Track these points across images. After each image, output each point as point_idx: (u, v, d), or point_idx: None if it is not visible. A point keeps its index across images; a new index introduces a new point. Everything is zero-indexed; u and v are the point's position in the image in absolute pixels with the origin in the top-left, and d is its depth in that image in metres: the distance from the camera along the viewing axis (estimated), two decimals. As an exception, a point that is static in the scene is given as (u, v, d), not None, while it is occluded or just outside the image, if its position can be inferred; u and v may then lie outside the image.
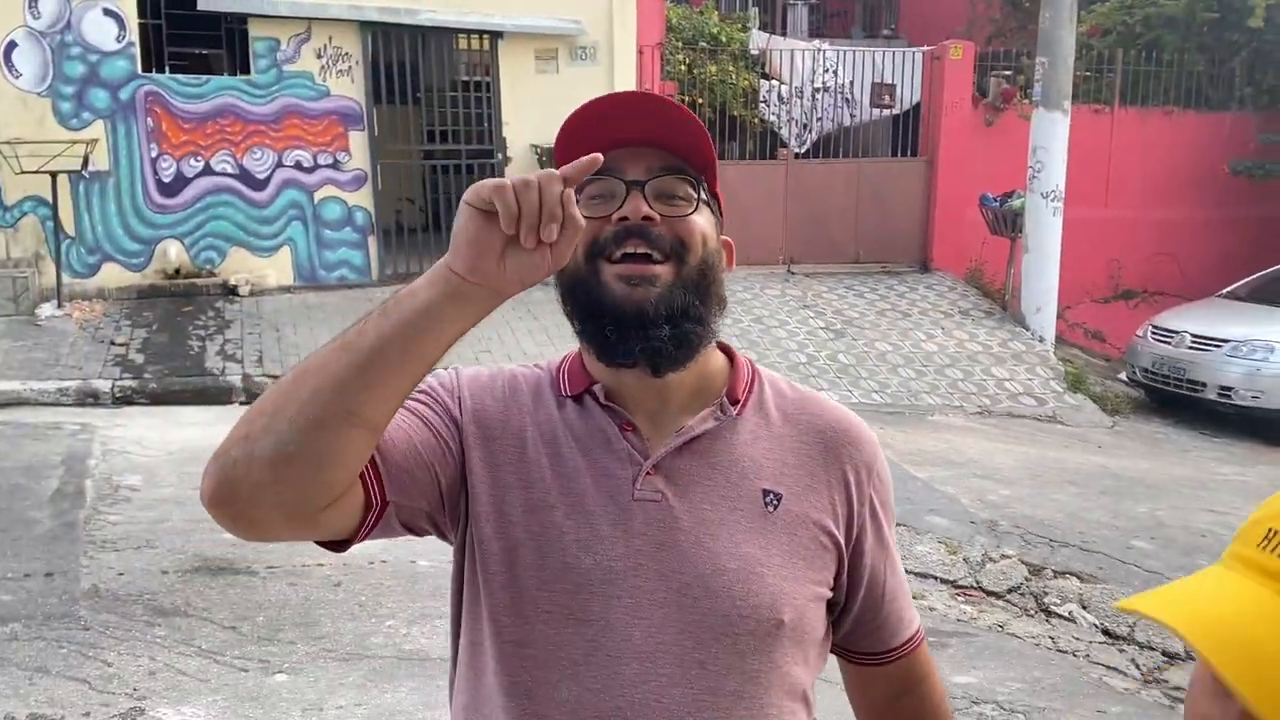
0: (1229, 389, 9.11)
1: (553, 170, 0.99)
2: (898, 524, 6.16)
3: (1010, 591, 5.19)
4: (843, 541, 1.22)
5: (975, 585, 5.22)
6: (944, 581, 5.21)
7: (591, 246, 1.14)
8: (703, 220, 1.18)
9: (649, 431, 1.19)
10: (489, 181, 0.99)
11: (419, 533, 1.19)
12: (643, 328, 1.13)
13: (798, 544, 1.19)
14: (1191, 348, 9.42)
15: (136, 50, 9.21)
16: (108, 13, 9.09)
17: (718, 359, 1.24)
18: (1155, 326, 9.96)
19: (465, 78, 10.84)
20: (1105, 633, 4.90)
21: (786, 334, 9.72)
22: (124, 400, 7.37)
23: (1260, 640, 0.70)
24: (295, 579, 4.59)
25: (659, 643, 1.12)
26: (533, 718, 1.14)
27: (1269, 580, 0.75)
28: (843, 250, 11.38)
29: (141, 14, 9.19)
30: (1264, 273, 10.57)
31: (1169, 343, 9.62)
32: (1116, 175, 12.00)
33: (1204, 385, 9.25)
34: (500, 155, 10.27)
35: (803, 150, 11.73)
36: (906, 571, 4.77)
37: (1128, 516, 6.34)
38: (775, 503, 1.19)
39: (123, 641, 3.97)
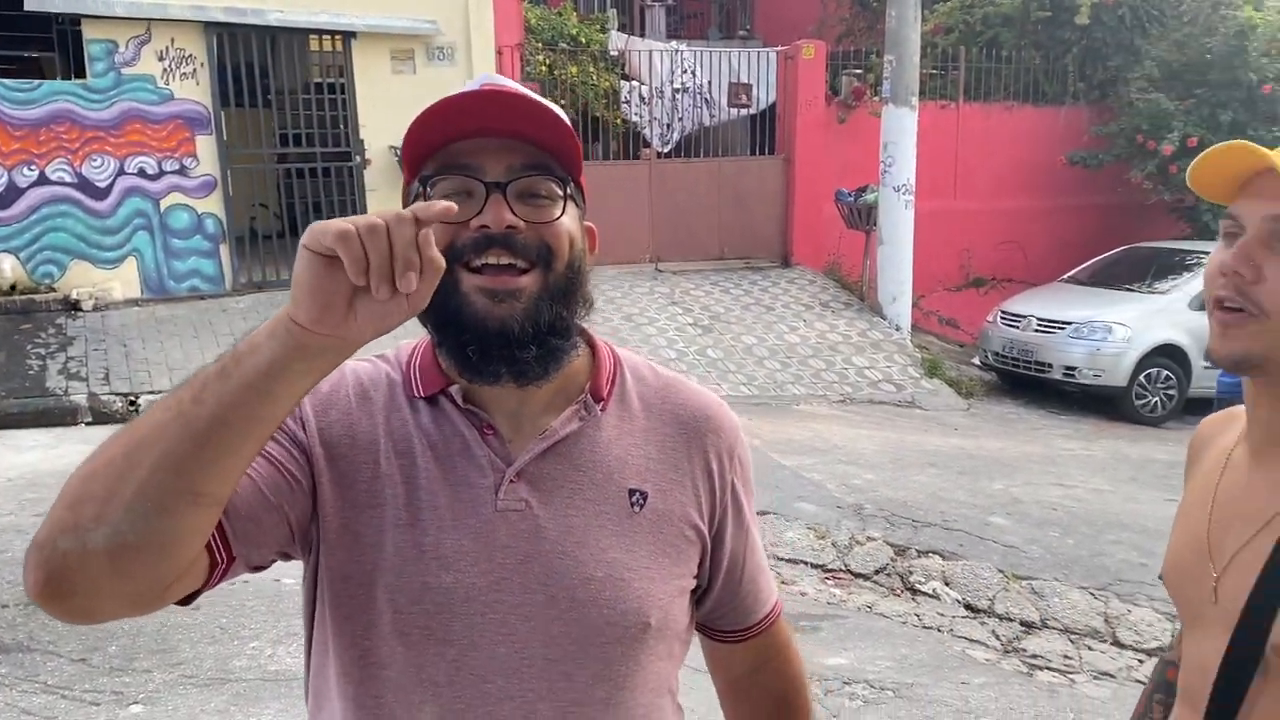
0: (1073, 369, 9.52)
1: (403, 211, 0.86)
2: (769, 512, 6.21)
3: (877, 572, 5.30)
4: (706, 531, 1.20)
5: (844, 568, 5.32)
6: (814, 566, 5.29)
7: (448, 251, 1.00)
8: (569, 220, 1.09)
9: (510, 434, 1.13)
10: (331, 225, 0.85)
11: (268, 567, 1.10)
12: (507, 347, 1.05)
13: (663, 541, 1.16)
14: (1038, 331, 9.82)
15: (-42, 53, 8.66)
16: (-77, 13, 8.51)
17: (579, 351, 1.17)
18: (1004, 312, 10.34)
19: (319, 79, 10.53)
20: (967, 607, 5.05)
21: (656, 330, 9.77)
22: (-44, 425, 6.90)
23: None
24: (150, 604, 4.37)
25: (524, 658, 1.09)
26: None
27: None
28: (707, 247, 11.51)
29: (-38, 15, 8.64)
30: (1101, 257, 11.11)
31: (1017, 327, 10.01)
32: (963, 168, 12.43)
33: (1050, 366, 9.64)
34: (358, 158, 10.02)
35: (666, 150, 11.80)
36: (778, 559, 4.78)
37: (985, 494, 6.56)
38: (641, 502, 1.15)
39: (-29, 684, 3.71)
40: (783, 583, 5.09)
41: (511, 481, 1.10)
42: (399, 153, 9.82)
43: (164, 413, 0.89)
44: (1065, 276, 11.06)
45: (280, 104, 10.08)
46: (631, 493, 1.15)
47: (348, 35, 9.87)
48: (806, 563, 5.30)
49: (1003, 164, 12.58)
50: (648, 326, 9.83)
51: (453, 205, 0.89)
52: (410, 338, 1.19)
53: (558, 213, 1.08)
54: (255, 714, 3.57)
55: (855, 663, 4.33)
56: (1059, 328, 9.69)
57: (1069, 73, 12.74)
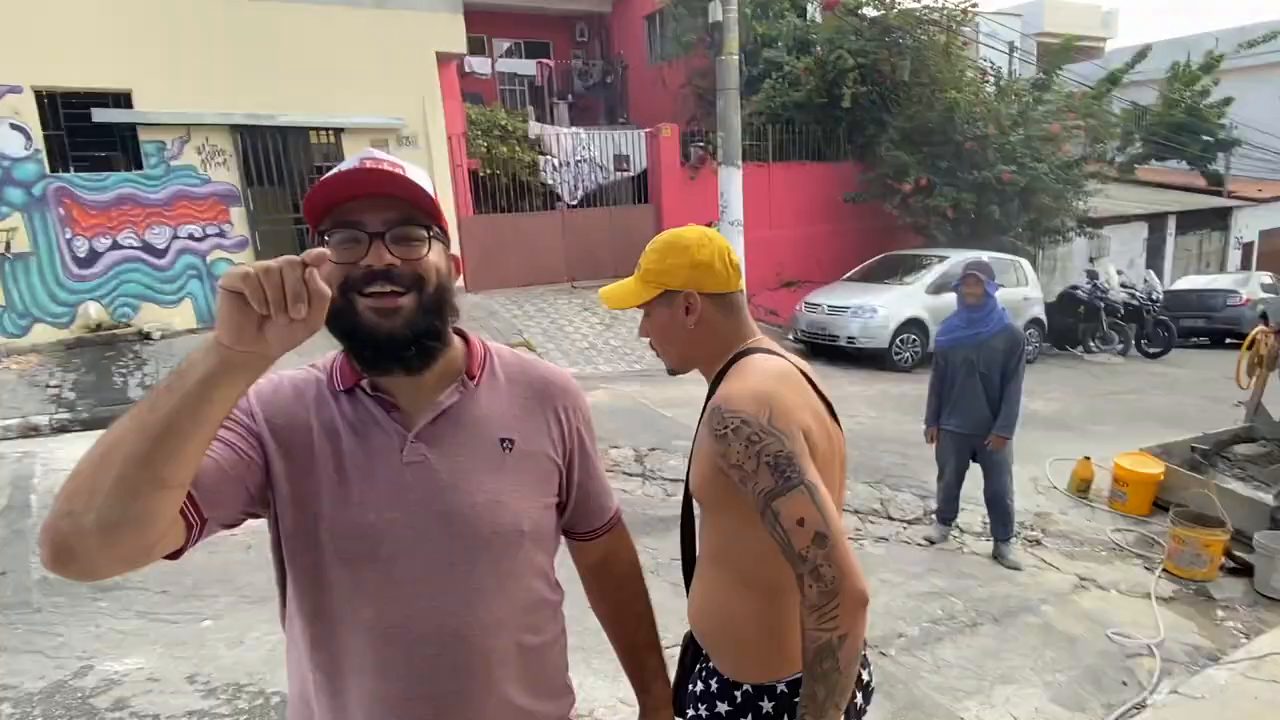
0: (853, 337, 9.72)
1: (292, 256, 0.84)
2: (654, 448, 6.21)
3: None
4: (560, 462, 1.20)
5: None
6: (679, 481, 5.37)
7: (345, 283, 1.01)
8: (434, 255, 1.06)
9: (409, 408, 1.10)
10: (236, 270, 0.84)
11: (239, 524, 1.06)
12: (394, 349, 1.04)
13: (528, 471, 1.15)
14: (829, 314, 10.01)
15: (44, 155, 8.08)
16: (14, 127, 7.92)
17: (456, 345, 1.15)
18: (807, 302, 10.50)
19: (319, 163, 10.16)
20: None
21: (573, 329, 9.73)
22: (60, 429, 6.52)
23: (616, 291, 1.38)
24: (214, 548, 4.21)
25: (433, 565, 1.07)
26: (344, 636, 1.07)
27: (639, 271, 1.34)
28: (606, 268, 11.50)
29: (45, 126, 8.06)
30: (867, 262, 11.41)
31: (815, 312, 10.21)
32: (775, 207, 12.59)
33: (838, 337, 9.83)
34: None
35: (573, 203, 11.72)
36: (663, 478, 4.80)
37: (797, 427, 6.72)
38: (509, 446, 1.14)
39: (71, 616, 3.54)
40: (667, 495, 5.13)
41: (412, 442, 1.09)
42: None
43: (130, 421, 0.85)
44: (845, 276, 11.24)
45: (292, 182, 9.70)
46: (502, 440, 1.14)
47: (339, 130, 9.54)
48: (676, 480, 5.36)
49: (802, 203, 12.74)
50: (567, 326, 9.80)
51: (326, 252, 0.87)
52: (332, 355, 1.17)
53: (424, 251, 1.05)
54: (294, 618, 3.49)
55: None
56: (842, 310, 9.85)
57: (840, 139, 12.93)
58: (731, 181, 10.23)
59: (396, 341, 1.03)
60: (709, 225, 9.46)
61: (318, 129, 9.53)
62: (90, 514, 0.83)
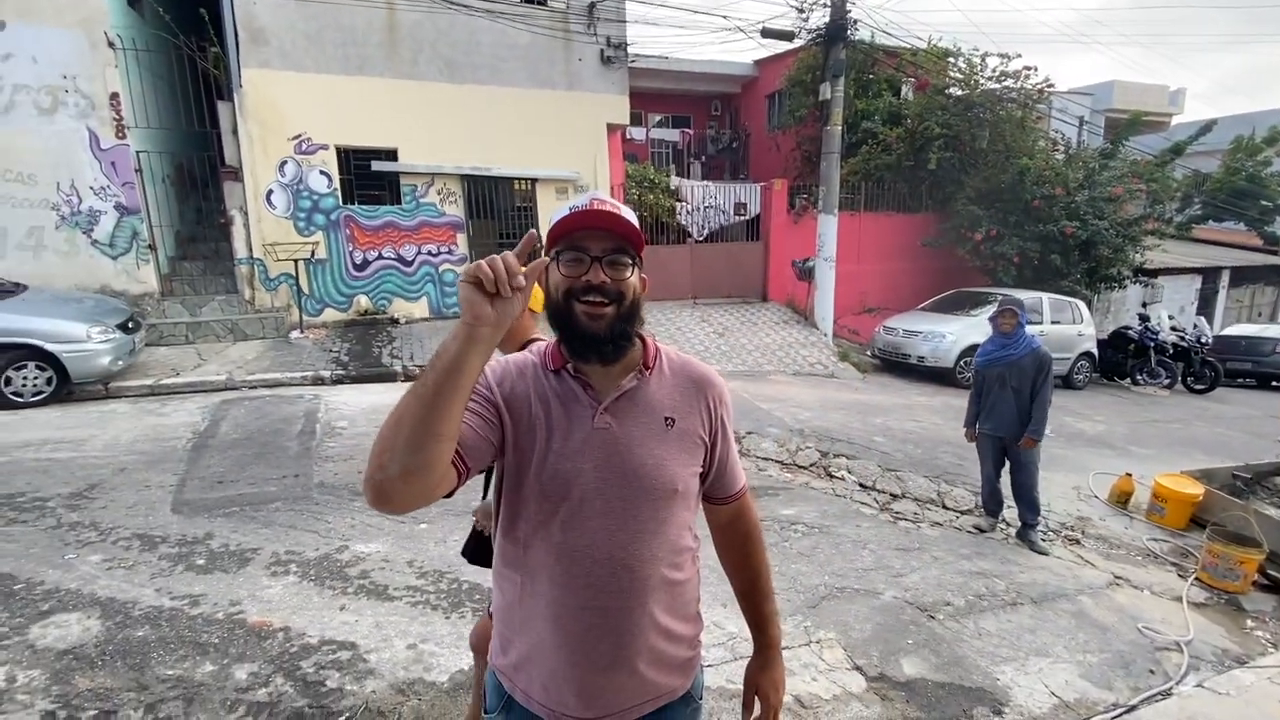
0: (923, 357, 9.19)
1: (507, 252, 0.95)
2: (752, 432, 6.12)
3: (811, 465, 5.22)
4: (707, 440, 1.19)
5: (793, 462, 5.25)
6: (777, 461, 5.24)
7: (568, 291, 1.08)
8: (634, 278, 1.11)
9: (600, 387, 1.14)
10: (468, 266, 0.94)
11: (488, 469, 1.16)
12: (596, 344, 1.09)
13: (684, 446, 1.16)
14: (903, 337, 9.50)
15: (339, 191, 8.94)
16: (321, 173, 8.82)
17: (636, 344, 1.19)
18: (885, 326, 10.02)
19: (519, 204, 10.66)
20: (861, 485, 4.94)
21: (692, 336, 9.69)
22: (337, 382, 7.19)
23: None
24: (431, 473, 4.49)
25: (610, 506, 1.10)
26: (539, 553, 1.11)
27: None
28: (720, 290, 11.37)
29: (341, 172, 8.94)
30: (938, 296, 10.69)
31: (892, 334, 9.69)
32: (863, 247, 12.04)
33: (910, 356, 9.32)
34: (539, 246, 10.04)
35: (700, 238, 11.65)
36: (758, 457, 4.68)
37: (871, 424, 6.39)
38: (671, 424, 1.15)
39: (336, 510, 3.89)
40: (759, 470, 5.03)
41: (601, 413, 1.12)
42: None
43: (410, 396, 0.93)
44: (919, 306, 10.65)
45: (500, 216, 10.23)
46: (666, 419, 1.15)
47: (534, 180, 9.94)
48: (772, 459, 5.26)
49: (885, 245, 12.13)
50: (689, 332, 9.77)
51: (534, 232, 0.96)
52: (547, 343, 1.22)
53: (629, 275, 1.10)
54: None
55: (797, 514, 4.28)
56: (915, 334, 9.35)
57: (923, 195, 12.19)
58: (829, 226, 9.86)
59: (599, 339, 1.09)
60: (806, 261, 9.06)
61: (519, 178, 9.99)
62: (394, 464, 0.92)
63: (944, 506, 4.60)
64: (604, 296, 1.08)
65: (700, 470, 1.20)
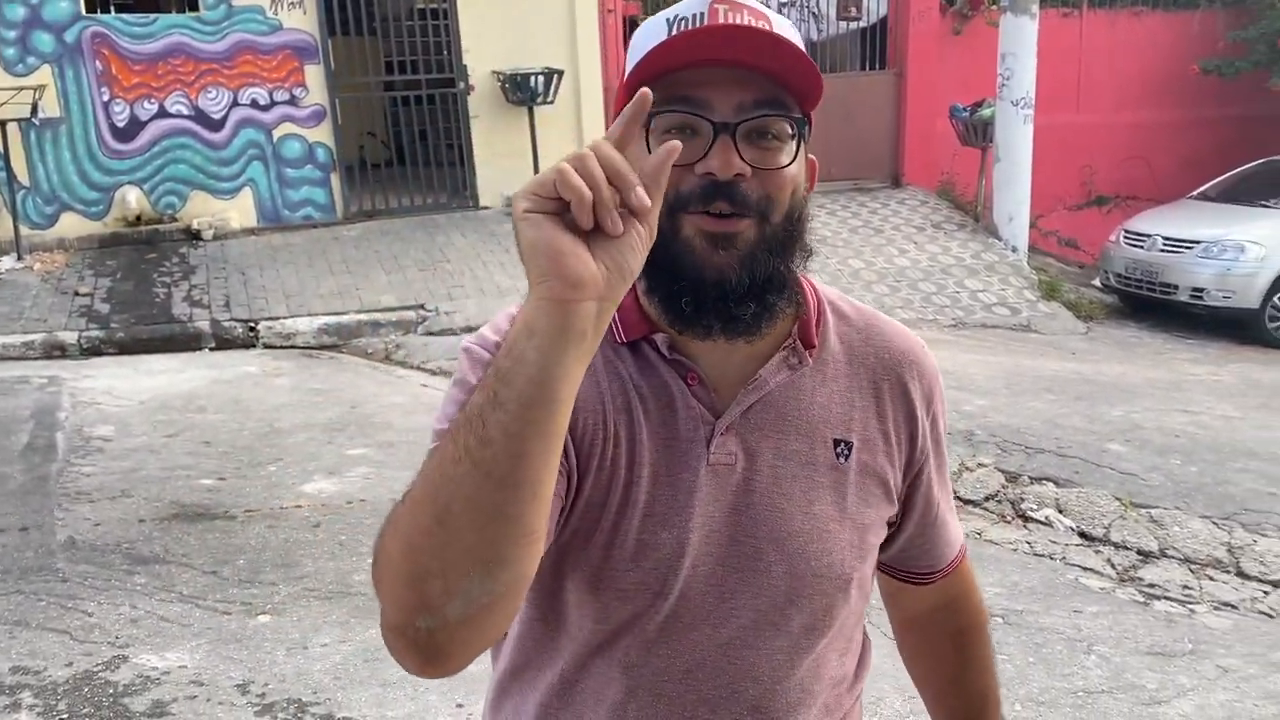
0: (1201, 290, 9.16)
1: (598, 139, 0.81)
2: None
3: (987, 499, 5.23)
4: (902, 481, 1.19)
5: (955, 494, 5.28)
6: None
7: (671, 199, 0.96)
8: (796, 166, 1.03)
9: (717, 381, 1.09)
10: (538, 177, 0.81)
11: None
12: (724, 301, 1.01)
13: (866, 492, 1.14)
14: (1163, 251, 9.45)
15: (79, -11, 8.94)
16: (45, -49, 8.79)
17: (790, 299, 1.10)
18: (1127, 231, 9.97)
19: (422, 5, 10.58)
20: (1081, 535, 4.95)
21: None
22: (92, 351, 7.28)
23: None
24: (274, 521, 4.57)
25: (731, 608, 1.10)
26: (596, 680, 1.13)
27: None
28: (818, 164, 11.31)
29: (81, -49, 8.90)
30: (1234, 172, 10.57)
31: (1141, 247, 9.64)
32: (1087, 79, 11.90)
33: (1176, 288, 9.29)
34: (462, 84, 10.06)
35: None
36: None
37: (1103, 420, 6.38)
38: (846, 453, 1.12)
39: (102, 591, 3.95)
40: (890, 508, 5.07)
41: (721, 434, 1.08)
42: (502, 78, 9.89)
43: (454, 466, 0.82)
44: (1194, 193, 10.57)
45: (385, 31, 10.18)
46: (837, 443, 1.12)
47: (450, -42, 9.85)
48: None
49: (1129, 74, 11.99)
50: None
51: (647, 92, 0.81)
52: None
53: (786, 159, 1.02)
54: (373, 626, 3.72)
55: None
56: (1187, 247, 9.30)
57: (1205, -26, 12.04)
58: (1021, 37, 9.73)
59: (728, 288, 1.00)
60: (978, 107, 9.08)
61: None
62: (454, 603, 0.85)
63: (1240, 573, 4.66)
64: (738, 205, 0.99)
65: (885, 531, 1.20)
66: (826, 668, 1.17)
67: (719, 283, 0.99)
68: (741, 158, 0.98)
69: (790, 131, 1.01)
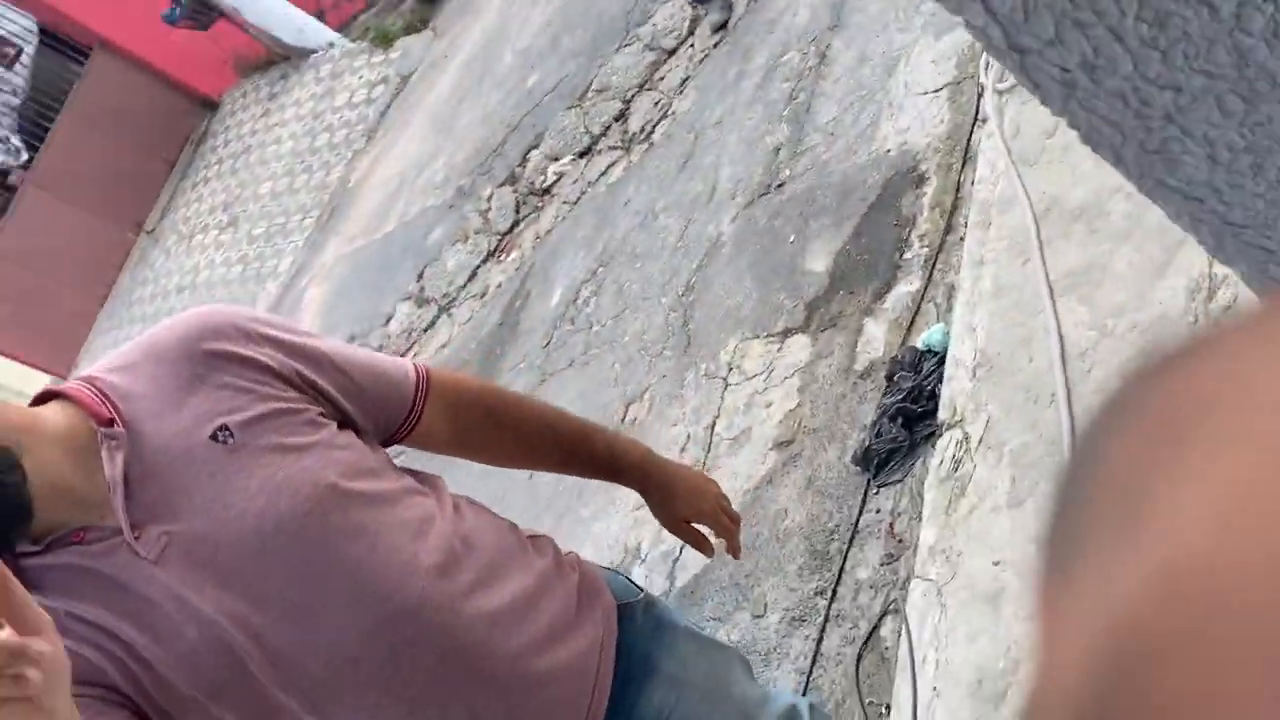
0: None
1: None
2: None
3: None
4: (296, 392, 1.14)
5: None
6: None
7: None
8: None
9: (79, 519, 1.02)
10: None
11: None
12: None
13: (288, 432, 1.10)
14: None
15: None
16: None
17: (60, 420, 1.03)
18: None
19: None
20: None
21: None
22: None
23: None
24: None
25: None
26: None
27: None
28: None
29: None
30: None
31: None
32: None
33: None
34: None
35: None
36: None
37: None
38: (227, 435, 1.06)
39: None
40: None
41: (134, 538, 1.01)
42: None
43: None
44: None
45: None
46: (214, 435, 1.04)
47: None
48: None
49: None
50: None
51: None
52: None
53: None
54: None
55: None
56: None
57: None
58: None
59: None
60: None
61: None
62: None
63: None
64: None
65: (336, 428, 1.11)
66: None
67: None
68: None
69: None
